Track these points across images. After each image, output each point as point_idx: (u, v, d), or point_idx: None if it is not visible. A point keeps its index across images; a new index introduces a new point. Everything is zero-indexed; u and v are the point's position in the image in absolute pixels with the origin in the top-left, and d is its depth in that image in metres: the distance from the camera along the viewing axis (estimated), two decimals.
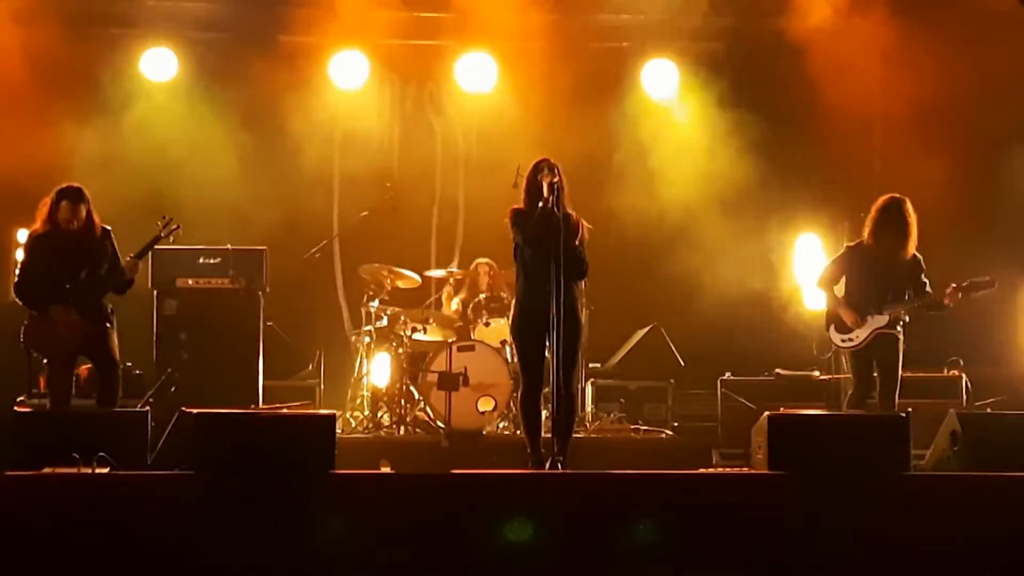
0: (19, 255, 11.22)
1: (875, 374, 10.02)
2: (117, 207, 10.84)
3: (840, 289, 10.26)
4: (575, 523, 7.59)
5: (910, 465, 8.23)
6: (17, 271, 10.05)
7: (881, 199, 10.18)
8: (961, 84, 12.80)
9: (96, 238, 9.77)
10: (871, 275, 10.02)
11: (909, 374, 10.37)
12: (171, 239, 10.17)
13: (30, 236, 9.85)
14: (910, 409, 9.01)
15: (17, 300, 9.88)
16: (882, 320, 9.95)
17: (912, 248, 9.99)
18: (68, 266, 9.65)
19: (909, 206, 9.97)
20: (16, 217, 12.45)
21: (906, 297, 10.00)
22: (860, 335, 10.01)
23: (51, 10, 12.72)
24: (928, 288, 10.00)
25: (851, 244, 10.34)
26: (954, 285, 9.92)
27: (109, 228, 9.92)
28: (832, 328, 10.21)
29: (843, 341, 10.14)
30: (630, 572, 7.56)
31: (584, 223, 9.19)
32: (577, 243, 9.04)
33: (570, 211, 9.09)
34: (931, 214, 10.34)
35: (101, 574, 7.29)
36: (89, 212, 9.76)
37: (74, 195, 9.73)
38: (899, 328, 9.98)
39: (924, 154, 12.84)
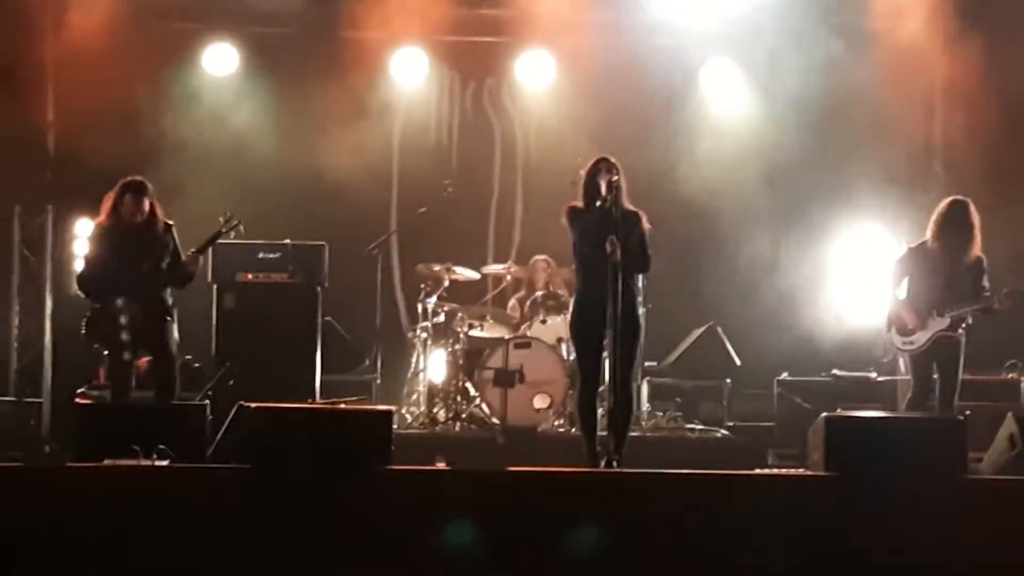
0: (82, 247, 11.35)
1: (935, 376, 9.94)
2: (178, 201, 10.93)
3: (902, 291, 10.18)
4: (630, 522, 7.59)
5: (968, 468, 8.18)
6: (81, 263, 10.12)
7: (945, 201, 10.07)
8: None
9: (159, 232, 9.82)
10: (934, 277, 9.92)
11: (967, 377, 10.25)
12: (232, 235, 10.24)
13: (94, 229, 9.93)
14: (968, 412, 8.94)
15: (80, 292, 9.98)
16: (943, 323, 9.85)
17: (976, 250, 9.88)
18: (130, 259, 9.70)
19: (973, 208, 9.86)
20: (80, 209, 12.63)
21: (967, 300, 9.90)
22: (921, 338, 9.91)
23: (114, 5, 12.83)
24: (987, 291, 9.88)
25: (913, 245, 10.21)
26: (1007, 290, 9.81)
27: (172, 223, 9.96)
28: (893, 330, 10.11)
29: (904, 344, 10.04)
30: (683, 572, 7.57)
31: (645, 220, 9.17)
32: (637, 241, 9.03)
33: (630, 208, 9.08)
34: (990, 215, 10.24)
35: (159, 565, 7.36)
36: (152, 206, 9.81)
37: (138, 189, 9.78)
38: (961, 331, 9.88)
39: (984, 156, 12.74)
